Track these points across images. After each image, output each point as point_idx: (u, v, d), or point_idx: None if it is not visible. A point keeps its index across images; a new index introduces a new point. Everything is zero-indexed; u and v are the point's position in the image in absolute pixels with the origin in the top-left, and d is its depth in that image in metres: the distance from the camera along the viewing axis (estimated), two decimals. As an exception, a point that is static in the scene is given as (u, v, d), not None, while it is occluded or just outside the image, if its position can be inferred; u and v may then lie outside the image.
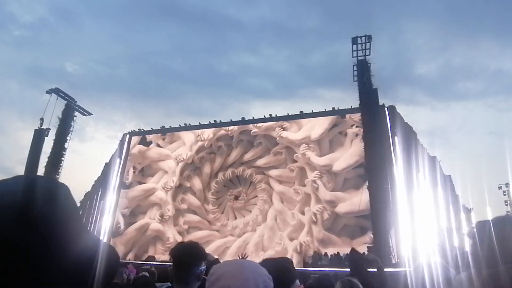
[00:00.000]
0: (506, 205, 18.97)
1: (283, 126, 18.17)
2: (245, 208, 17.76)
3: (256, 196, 17.79)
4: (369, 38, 16.16)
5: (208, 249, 15.22)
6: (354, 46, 16.29)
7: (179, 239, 16.99)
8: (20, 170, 19.21)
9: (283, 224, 16.72)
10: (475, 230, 1.19)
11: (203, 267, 1.94)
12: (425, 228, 13.84)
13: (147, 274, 4.89)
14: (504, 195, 19.14)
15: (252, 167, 18.26)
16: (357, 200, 15.52)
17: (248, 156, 18.50)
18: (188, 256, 1.93)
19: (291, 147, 17.76)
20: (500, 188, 19.16)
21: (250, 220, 17.32)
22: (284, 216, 16.81)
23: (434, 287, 2.21)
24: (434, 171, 15.16)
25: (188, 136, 20.10)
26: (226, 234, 17.52)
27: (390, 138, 15.72)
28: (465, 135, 43.15)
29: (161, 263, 13.00)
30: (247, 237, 17.02)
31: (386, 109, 16.33)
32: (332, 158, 16.87)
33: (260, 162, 18.16)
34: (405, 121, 16.20)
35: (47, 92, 19.77)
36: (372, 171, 14.33)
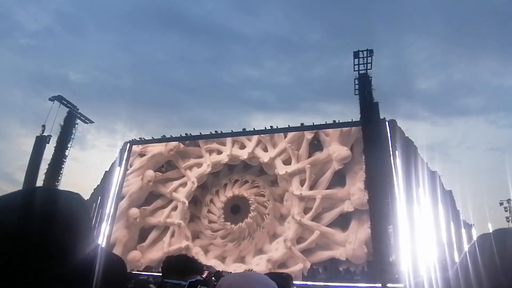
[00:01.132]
0: (508, 221, 18.81)
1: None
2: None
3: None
4: (370, 52, 16.24)
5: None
6: (356, 60, 16.36)
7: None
8: (21, 177, 19.22)
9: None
10: (476, 245, 1.16)
11: (190, 280, 1.88)
12: (425, 243, 13.74)
13: (153, 286, 4.78)
14: (506, 211, 18.99)
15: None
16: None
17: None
18: (171, 269, 1.91)
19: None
20: (501, 204, 19.01)
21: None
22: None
23: None
24: (434, 186, 15.10)
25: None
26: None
27: (391, 152, 15.72)
28: (466, 150, 43.17)
29: (158, 273, 12.86)
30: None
31: (387, 123, 16.36)
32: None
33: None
34: (405, 135, 16.22)
35: (50, 99, 19.80)
36: (372, 185, 14.26)
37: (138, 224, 19.40)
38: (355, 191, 16.03)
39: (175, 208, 19.14)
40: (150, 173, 20.15)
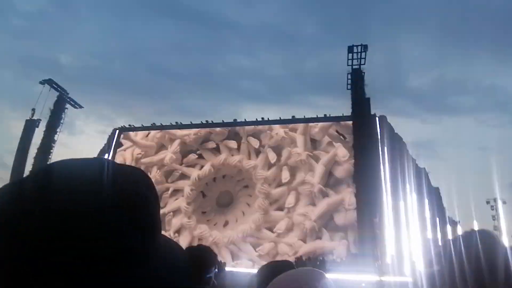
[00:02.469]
0: (494, 219, 19.06)
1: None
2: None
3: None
4: (365, 47, 16.25)
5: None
6: (350, 55, 16.38)
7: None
8: (10, 160, 19.04)
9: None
10: (461, 242, 1.19)
11: (211, 274, 1.83)
12: (410, 238, 13.96)
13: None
14: (492, 209, 19.19)
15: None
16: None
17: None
18: (196, 263, 1.81)
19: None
20: (488, 202, 19.22)
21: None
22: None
23: None
24: (421, 183, 15.30)
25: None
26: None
27: (380, 147, 15.85)
28: (455, 149, 43.62)
29: None
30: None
31: (377, 118, 16.47)
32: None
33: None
34: (395, 131, 16.37)
35: (40, 82, 19.57)
36: (360, 179, 14.42)
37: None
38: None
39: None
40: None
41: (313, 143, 17.71)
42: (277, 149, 17.99)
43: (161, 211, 14.33)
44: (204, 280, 1.79)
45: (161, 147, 20.21)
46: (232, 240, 16.94)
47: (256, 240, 16.66)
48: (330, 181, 16.77)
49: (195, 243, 16.62)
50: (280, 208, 17.01)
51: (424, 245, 13.67)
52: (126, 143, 20.89)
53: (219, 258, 14.48)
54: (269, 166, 17.91)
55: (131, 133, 20.98)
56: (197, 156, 19.26)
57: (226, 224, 17.60)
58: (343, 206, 16.00)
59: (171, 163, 19.27)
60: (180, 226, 18.02)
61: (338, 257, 14.87)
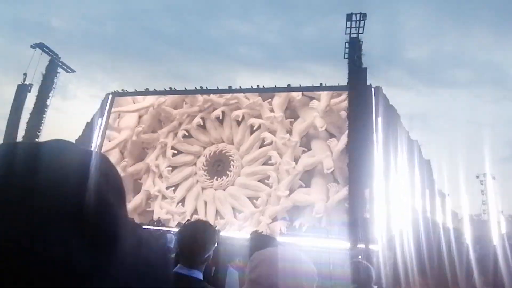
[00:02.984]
0: (482, 194, 19.44)
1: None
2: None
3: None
4: (364, 16, 15.90)
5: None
6: (348, 23, 16.05)
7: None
8: (2, 125, 18.97)
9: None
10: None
11: (210, 252, 1.78)
12: (400, 208, 14.23)
13: None
14: (481, 184, 19.52)
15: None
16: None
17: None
18: (199, 243, 1.76)
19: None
20: (478, 177, 19.54)
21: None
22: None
23: None
24: (413, 155, 15.45)
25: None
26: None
27: (374, 118, 15.86)
28: (448, 122, 43.84)
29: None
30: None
31: (372, 89, 16.39)
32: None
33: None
34: (389, 103, 16.35)
35: (31, 46, 19.24)
36: (354, 149, 14.49)
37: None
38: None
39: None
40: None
41: (292, 112, 17.97)
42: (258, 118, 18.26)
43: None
44: (202, 260, 1.76)
45: (157, 123, 20.25)
46: (232, 194, 17.60)
47: (253, 193, 17.27)
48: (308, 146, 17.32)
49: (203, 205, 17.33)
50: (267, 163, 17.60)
51: (413, 215, 13.96)
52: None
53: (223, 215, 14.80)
54: (251, 132, 18.25)
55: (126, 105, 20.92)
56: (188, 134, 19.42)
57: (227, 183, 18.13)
58: (321, 169, 16.52)
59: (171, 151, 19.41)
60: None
61: (317, 212, 15.39)
